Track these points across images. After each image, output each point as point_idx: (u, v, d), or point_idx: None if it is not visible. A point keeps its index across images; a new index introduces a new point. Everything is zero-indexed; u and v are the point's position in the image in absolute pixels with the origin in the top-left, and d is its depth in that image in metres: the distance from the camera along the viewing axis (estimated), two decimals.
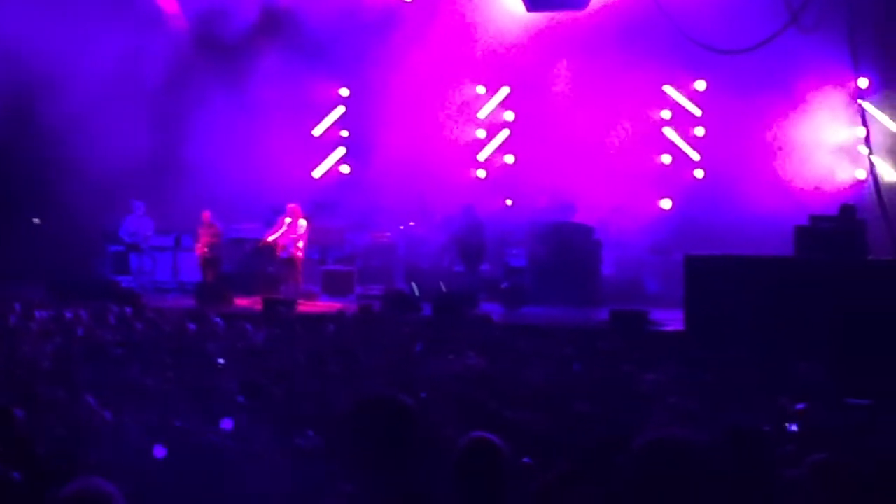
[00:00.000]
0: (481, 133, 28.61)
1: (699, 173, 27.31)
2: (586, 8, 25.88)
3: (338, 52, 27.52)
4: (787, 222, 19.20)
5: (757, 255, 19.21)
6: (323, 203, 27.77)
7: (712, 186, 26.42)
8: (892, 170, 24.56)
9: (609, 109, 26.64)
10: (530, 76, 27.28)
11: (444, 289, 23.89)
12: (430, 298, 22.59)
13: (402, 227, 27.27)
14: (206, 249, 25.63)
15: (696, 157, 27.34)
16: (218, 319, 18.33)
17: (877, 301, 16.87)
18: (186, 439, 8.43)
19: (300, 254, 24.81)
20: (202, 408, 10.91)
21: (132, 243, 26.26)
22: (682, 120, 27.54)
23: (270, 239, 25.04)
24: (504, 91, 28.40)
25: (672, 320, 20.15)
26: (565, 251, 23.78)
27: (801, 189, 24.22)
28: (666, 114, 27.58)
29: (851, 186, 24.44)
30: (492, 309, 22.19)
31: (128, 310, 19.12)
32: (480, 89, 28.49)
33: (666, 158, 27.53)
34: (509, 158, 28.42)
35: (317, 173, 29.22)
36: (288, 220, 24.74)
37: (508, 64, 27.50)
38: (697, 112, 27.32)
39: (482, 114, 28.59)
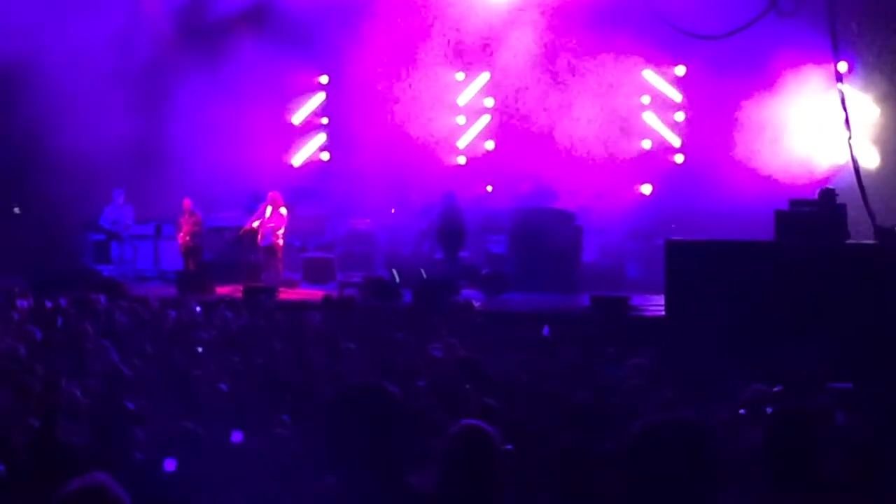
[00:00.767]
0: (461, 120, 28.56)
1: (679, 158, 27.34)
2: None
3: (317, 39, 27.41)
4: (767, 207, 19.24)
5: (738, 239, 19.25)
6: (303, 190, 27.74)
7: (692, 172, 26.46)
8: (871, 153, 24.59)
9: (589, 95, 26.59)
10: (510, 62, 27.19)
11: (424, 276, 23.87)
12: (411, 285, 22.59)
13: (392, 211, 27.25)
14: (187, 238, 25.52)
15: (676, 142, 27.36)
16: (198, 307, 18.34)
17: (857, 285, 16.96)
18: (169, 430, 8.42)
19: (280, 241, 24.75)
20: (183, 395, 10.92)
21: (113, 232, 26.20)
22: (662, 105, 27.55)
23: (250, 227, 24.98)
24: (484, 77, 28.34)
25: (653, 306, 20.22)
26: (546, 237, 23.76)
27: (782, 173, 24.22)
28: (646, 99, 27.58)
29: (831, 170, 24.45)
30: (472, 295, 22.19)
31: (108, 299, 19.12)
32: (460, 76, 28.42)
33: (646, 144, 27.52)
34: (489, 145, 28.38)
35: (296, 161, 29.14)
36: (269, 208, 24.67)
37: (487, 50, 27.44)
38: (678, 97, 27.33)
39: (462, 100, 28.53)
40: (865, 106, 24.66)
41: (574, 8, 26.07)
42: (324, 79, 29.41)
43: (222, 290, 23.45)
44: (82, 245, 27.19)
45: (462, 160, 28.48)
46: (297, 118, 29.29)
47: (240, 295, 22.26)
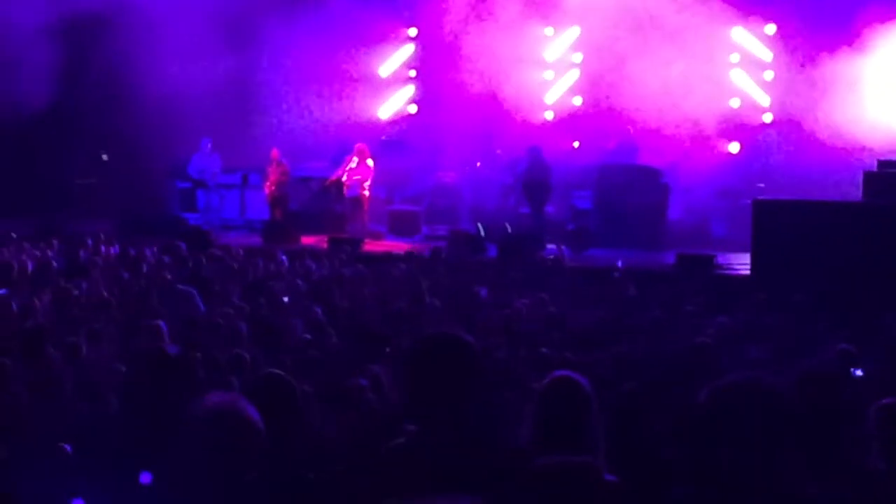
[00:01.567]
0: (549, 75, 28.39)
1: (768, 117, 27.03)
2: None
3: None
4: (856, 167, 19.06)
5: (825, 199, 19.09)
6: (390, 143, 27.81)
7: (781, 131, 26.20)
8: None
9: (678, 52, 26.33)
10: (599, 17, 26.96)
11: (509, 230, 23.87)
12: (496, 240, 22.60)
13: (478, 165, 27.22)
14: (274, 187, 25.54)
15: (765, 101, 27.04)
16: (284, 257, 18.50)
17: None
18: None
19: (366, 193, 24.82)
20: (269, 343, 11.04)
21: (200, 180, 26.38)
22: (751, 64, 27.20)
23: (337, 178, 25.05)
24: (573, 32, 28.13)
25: (738, 264, 20.12)
26: (632, 194, 23.66)
27: (870, 134, 23.90)
28: (735, 57, 27.24)
29: None
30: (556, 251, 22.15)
31: (193, 247, 19.29)
32: (549, 30, 28.24)
33: (734, 102, 27.21)
34: (577, 100, 28.20)
35: (384, 113, 29.16)
36: (355, 159, 24.72)
37: (577, 4, 27.22)
38: (768, 56, 26.98)
39: (550, 55, 28.36)
40: None
41: None
42: (412, 31, 29.33)
43: (307, 240, 23.60)
44: (169, 193, 27.37)
45: (550, 115, 28.30)
46: (385, 70, 29.25)
47: (325, 245, 22.40)
